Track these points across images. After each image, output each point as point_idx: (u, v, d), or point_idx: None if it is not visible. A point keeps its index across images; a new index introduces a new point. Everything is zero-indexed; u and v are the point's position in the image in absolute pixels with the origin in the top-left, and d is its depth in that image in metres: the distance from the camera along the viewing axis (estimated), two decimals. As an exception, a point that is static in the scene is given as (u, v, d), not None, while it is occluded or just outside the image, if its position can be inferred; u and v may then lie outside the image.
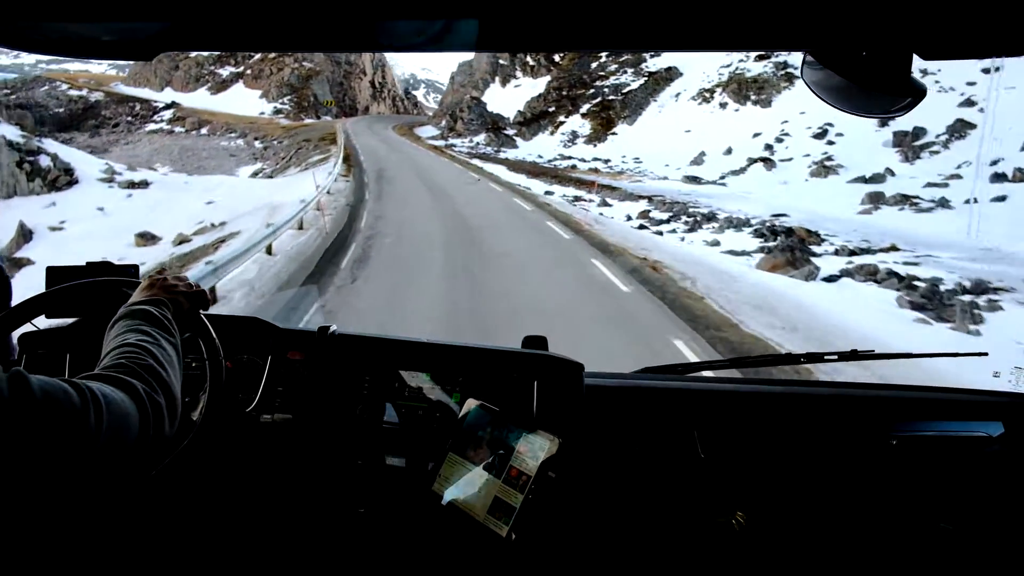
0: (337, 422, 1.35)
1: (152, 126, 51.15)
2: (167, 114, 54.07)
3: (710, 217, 16.43)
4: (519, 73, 69.86)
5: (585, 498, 1.27)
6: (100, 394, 0.67)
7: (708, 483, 1.30)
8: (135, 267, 1.35)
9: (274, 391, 1.36)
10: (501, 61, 69.28)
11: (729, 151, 32.01)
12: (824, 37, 0.64)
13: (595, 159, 37.22)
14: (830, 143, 28.92)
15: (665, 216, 16.70)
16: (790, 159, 28.57)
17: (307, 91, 64.27)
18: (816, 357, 1.48)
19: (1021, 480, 1.31)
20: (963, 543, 1.28)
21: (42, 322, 1.26)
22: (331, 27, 0.63)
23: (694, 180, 27.63)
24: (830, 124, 30.19)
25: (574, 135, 45.65)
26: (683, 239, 12.99)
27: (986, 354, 1.50)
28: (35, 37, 0.69)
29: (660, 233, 13.54)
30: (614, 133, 44.08)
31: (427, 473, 1.18)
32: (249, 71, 69.29)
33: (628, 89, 48.68)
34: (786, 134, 31.91)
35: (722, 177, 28.10)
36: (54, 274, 1.31)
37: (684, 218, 16.22)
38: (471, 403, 1.22)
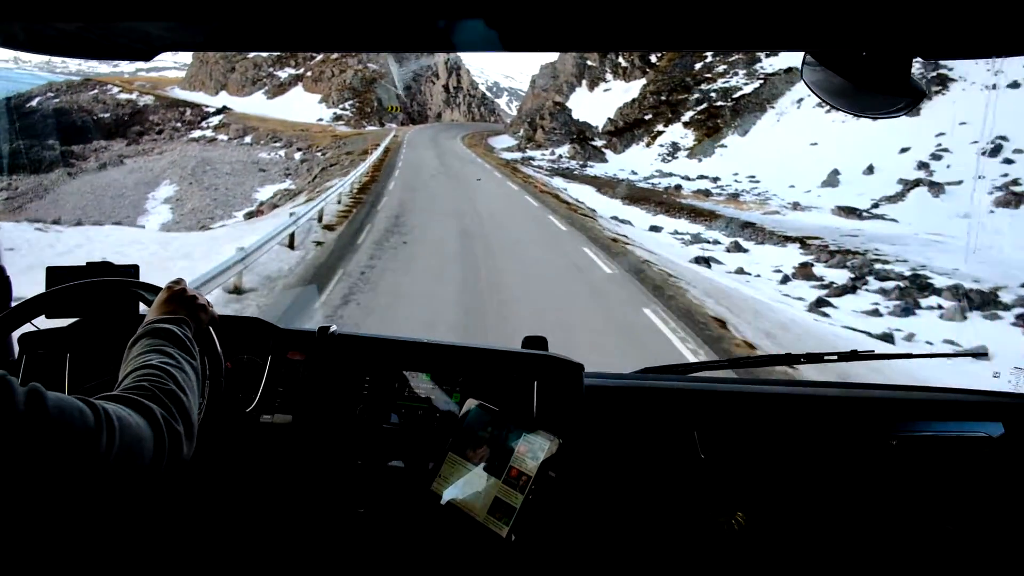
0: (337, 422, 1.35)
1: (197, 133, 45.93)
2: (215, 120, 49.12)
3: (921, 283, 9.54)
4: (609, 75, 58.80)
5: (585, 498, 1.27)
6: (115, 417, 0.67)
7: (708, 483, 1.30)
8: (135, 267, 1.35)
9: (274, 391, 1.36)
10: (589, 62, 59.16)
11: (871, 170, 24.76)
12: (824, 37, 0.64)
13: (700, 177, 30.36)
14: (1008, 161, 21.06)
15: (841, 276, 10.18)
16: (958, 182, 20.90)
17: (370, 95, 57.77)
18: (816, 357, 1.48)
19: (1021, 480, 1.31)
20: (963, 543, 1.28)
21: (42, 322, 1.26)
22: (332, 26, 0.63)
23: (851, 212, 19.76)
24: (1003, 138, 22.11)
25: (674, 148, 37.30)
26: (908, 337, 7.02)
27: (986, 355, 1.49)
28: (35, 37, 0.69)
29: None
30: (722, 145, 35.49)
31: (427, 473, 1.18)
32: (309, 73, 62.59)
33: (740, 94, 39.01)
34: (944, 150, 24.14)
35: (875, 205, 21.04)
36: (54, 274, 1.31)
37: (874, 282, 9.72)
38: (471, 403, 1.22)
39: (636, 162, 36.61)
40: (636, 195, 22.23)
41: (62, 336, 1.39)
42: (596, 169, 35.13)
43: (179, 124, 49.07)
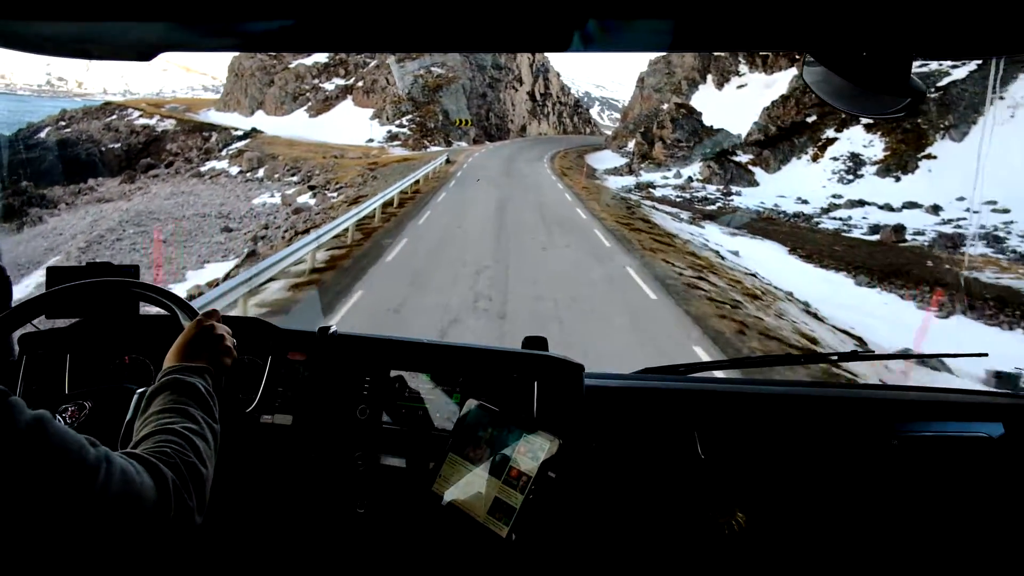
0: (337, 422, 1.35)
1: (211, 164, 36.52)
2: (238, 146, 39.96)
3: None
4: (743, 66, 45.08)
5: (585, 498, 1.27)
6: (119, 468, 0.66)
7: (708, 483, 1.30)
8: (135, 267, 1.36)
9: (274, 391, 1.36)
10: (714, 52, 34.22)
11: None
12: (824, 37, 0.64)
13: (908, 205, 20.38)
14: None
15: None
16: None
17: (433, 107, 46.70)
18: (817, 357, 1.48)
19: (1021, 480, 1.31)
20: (963, 543, 1.28)
21: (42, 322, 1.26)
22: (334, 26, 0.63)
23: None
24: None
25: (855, 161, 26.05)
26: None
27: (986, 355, 1.50)
28: (35, 37, 0.69)
29: None
30: (928, 156, 24.40)
31: (427, 473, 1.18)
32: (361, 83, 51.71)
33: (948, 80, 26.15)
34: None
35: None
36: (54, 274, 1.31)
37: None
38: (471, 403, 1.22)
39: (800, 183, 25.50)
40: (883, 266, 11.70)
41: (62, 336, 1.39)
42: (746, 196, 24.34)
43: (200, 153, 40.38)
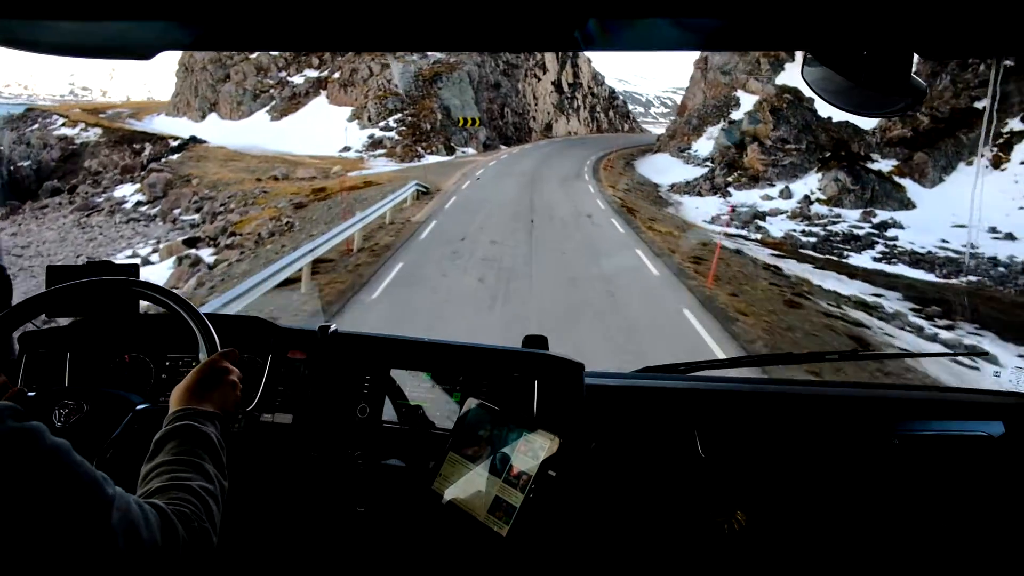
0: (337, 421, 1.35)
1: (127, 189, 26.93)
2: (172, 159, 30.47)
3: None
4: None
5: (585, 497, 1.27)
6: (128, 513, 0.65)
7: (708, 483, 1.30)
8: (135, 267, 1.36)
9: (274, 390, 1.36)
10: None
11: None
12: (825, 37, 0.64)
13: None
14: None
15: None
16: None
17: (430, 102, 35.55)
18: (817, 356, 1.48)
19: (1022, 480, 1.31)
20: (964, 542, 1.28)
21: (42, 320, 1.25)
22: (335, 25, 0.63)
23: None
24: None
25: None
26: None
27: (987, 354, 1.50)
28: (35, 37, 0.69)
29: None
30: None
31: (427, 472, 1.18)
32: (337, 75, 40.13)
33: None
34: None
35: None
36: (54, 273, 1.31)
37: None
38: (471, 402, 1.22)
39: (983, 204, 16.52)
40: None
41: (62, 335, 1.39)
42: (904, 224, 16.65)
43: (111, 173, 30.61)
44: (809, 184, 20.49)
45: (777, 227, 17.74)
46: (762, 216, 18.44)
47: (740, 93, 31.20)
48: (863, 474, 1.30)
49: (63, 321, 1.43)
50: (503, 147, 36.55)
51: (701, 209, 20.04)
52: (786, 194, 20.30)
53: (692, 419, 1.34)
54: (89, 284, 1.18)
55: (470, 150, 34.07)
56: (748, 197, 20.98)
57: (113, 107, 51.59)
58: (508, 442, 1.14)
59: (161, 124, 41.85)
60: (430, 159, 30.38)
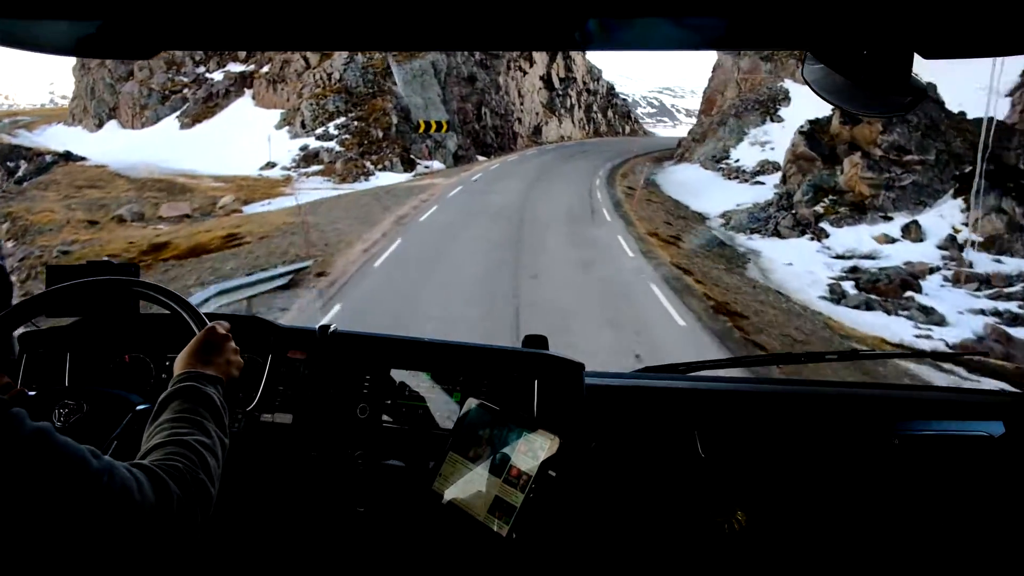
0: (337, 421, 1.35)
1: None
2: (27, 184, 24.49)
3: None
4: None
5: (585, 497, 1.27)
6: (120, 481, 0.66)
7: (708, 483, 1.30)
8: (135, 266, 1.36)
9: (274, 390, 1.36)
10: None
11: None
12: (825, 36, 0.64)
13: None
14: None
15: None
16: None
17: (383, 101, 27.64)
18: (817, 356, 1.48)
19: (1022, 480, 1.31)
20: (964, 542, 1.28)
21: (42, 321, 1.25)
22: (334, 24, 0.63)
23: None
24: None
25: None
26: None
27: (987, 354, 1.50)
28: (35, 36, 0.69)
29: None
30: None
31: (428, 472, 1.18)
32: (267, 68, 32.03)
33: None
34: None
35: None
36: (54, 273, 1.31)
37: None
38: (471, 402, 1.22)
39: None
40: None
41: (62, 335, 1.39)
42: None
43: None
44: (947, 215, 12.82)
45: (936, 298, 10.13)
46: (913, 284, 10.17)
47: (788, 83, 24.82)
48: (863, 474, 1.30)
49: (63, 321, 1.43)
50: (480, 158, 28.03)
51: (797, 266, 11.96)
52: (914, 233, 12.45)
53: (692, 419, 1.34)
54: (89, 284, 1.18)
55: (436, 163, 25.27)
56: (854, 238, 13.10)
57: (16, 114, 42.25)
58: (508, 442, 1.14)
59: (54, 136, 32.96)
60: (383, 178, 22.13)
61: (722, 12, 0.57)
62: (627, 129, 51.89)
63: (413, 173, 23.27)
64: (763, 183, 19.59)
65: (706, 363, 1.53)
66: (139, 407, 1.03)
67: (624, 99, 54.08)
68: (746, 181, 20.72)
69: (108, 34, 0.68)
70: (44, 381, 1.36)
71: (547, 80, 40.78)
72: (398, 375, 1.37)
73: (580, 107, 44.32)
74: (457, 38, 0.72)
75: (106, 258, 1.38)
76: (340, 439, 1.33)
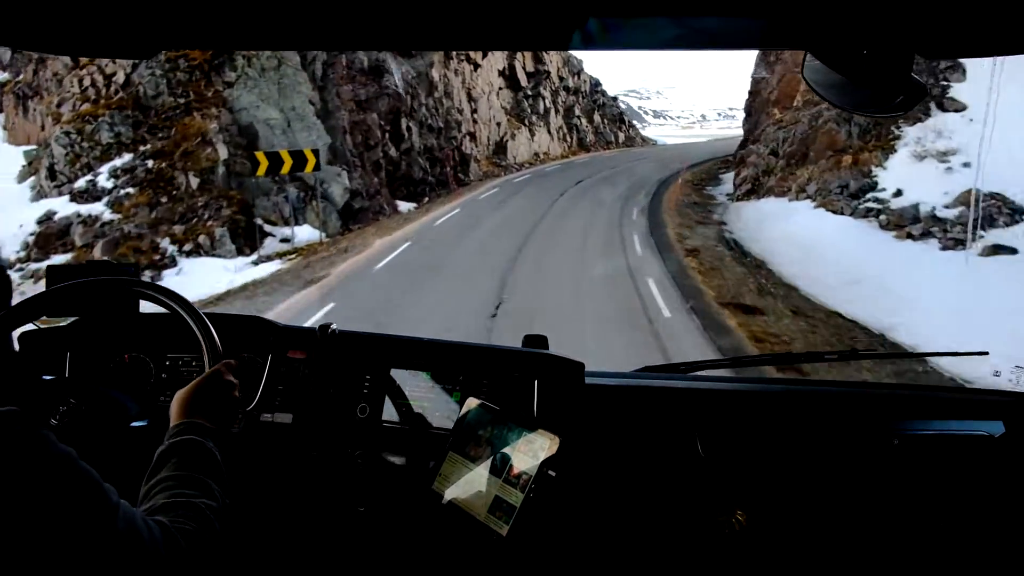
0: (337, 421, 1.35)
1: None
2: None
3: None
4: None
5: (585, 497, 1.27)
6: (132, 523, 0.66)
7: (708, 483, 1.30)
8: (135, 266, 1.36)
9: (274, 390, 1.36)
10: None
11: None
12: (825, 36, 0.64)
13: None
14: None
15: None
16: None
17: (199, 125, 12.75)
18: (816, 356, 1.48)
19: (1022, 480, 1.31)
20: (964, 542, 1.28)
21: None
22: (335, 24, 0.63)
23: None
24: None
25: None
26: None
27: (987, 353, 1.50)
28: (35, 35, 0.69)
29: None
30: None
31: (427, 472, 1.18)
32: (22, 78, 15.86)
33: None
34: None
35: None
36: (54, 273, 1.31)
37: None
38: (471, 402, 1.22)
39: None
40: None
41: (62, 335, 1.39)
42: None
43: None
44: None
45: None
46: None
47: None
48: (863, 474, 1.30)
49: (63, 321, 1.43)
50: (402, 207, 15.62)
51: None
52: None
53: (692, 419, 1.34)
54: (89, 284, 1.18)
55: (304, 234, 12.36)
56: None
57: None
58: (508, 442, 1.14)
59: None
60: (192, 271, 10.44)
61: (722, 12, 0.57)
62: (621, 137, 39.84)
63: (255, 256, 11.19)
64: (954, 231, 9.53)
65: (706, 363, 1.53)
66: (134, 423, 1.03)
67: (614, 99, 42.34)
68: (950, 244, 9.34)
69: (108, 34, 0.68)
70: (43, 381, 1.36)
71: (510, 76, 27.03)
72: (398, 375, 1.37)
73: (558, 111, 31.32)
74: (457, 38, 0.72)
75: (106, 258, 1.38)
76: (340, 439, 1.33)
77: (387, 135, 16.83)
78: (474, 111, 23.43)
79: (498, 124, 25.46)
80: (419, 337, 1.43)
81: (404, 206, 15.86)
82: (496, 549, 1.06)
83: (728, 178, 19.27)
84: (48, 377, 1.09)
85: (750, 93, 21.70)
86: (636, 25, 0.61)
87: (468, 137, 22.08)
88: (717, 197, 17.45)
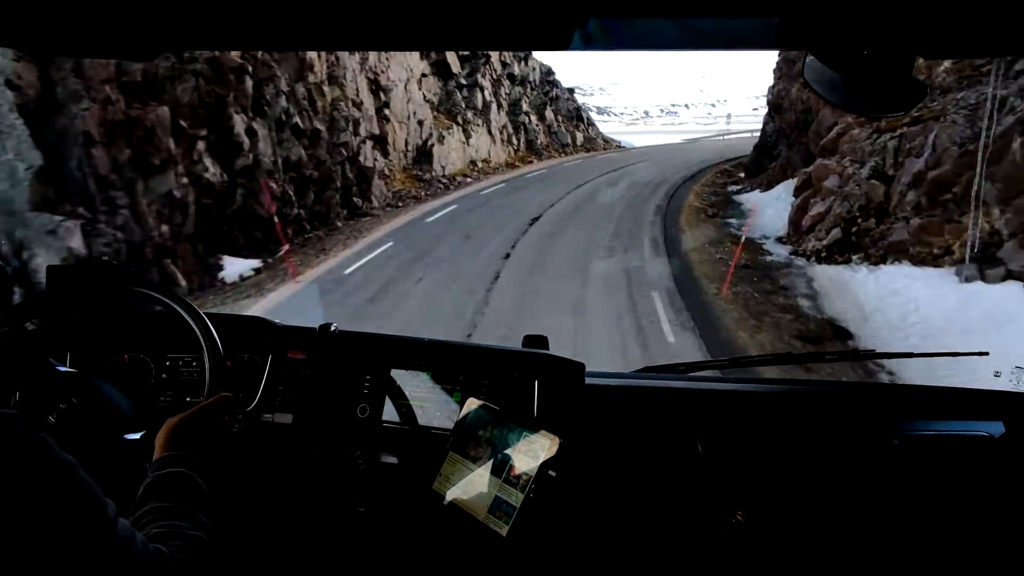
0: (338, 421, 1.35)
1: None
2: None
3: None
4: None
5: (585, 497, 1.27)
6: (129, 538, 0.66)
7: (708, 482, 1.30)
8: (135, 266, 1.36)
9: (274, 390, 1.36)
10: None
11: None
12: (826, 36, 0.64)
13: None
14: None
15: None
16: None
17: None
18: (817, 356, 1.48)
19: (1022, 480, 1.31)
20: (964, 542, 1.28)
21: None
22: (335, 24, 0.63)
23: None
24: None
25: None
26: None
27: (987, 353, 1.50)
28: (36, 36, 0.69)
29: None
30: None
31: (428, 472, 1.18)
32: None
33: None
34: None
35: None
36: (54, 273, 1.31)
37: None
38: (472, 402, 1.22)
39: None
40: None
41: (62, 335, 1.39)
42: None
43: None
44: None
45: None
46: None
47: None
48: (863, 474, 1.30)
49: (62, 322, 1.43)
50: (231, 273, 8.90)
51: None
52: None
53: (692, 419, 1.34)
54: (89, 284, 1.18)
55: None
56: None
57: None
58: (508, 442, 1.14)
59: None
60: None
61: (722, 12, 0.57)
62: (579, 137, 31.57)
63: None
64: None
65: (706, 363, 1.53)
66: (127, 436, 1.03)
67: (570, 91, 34.54)
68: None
69: (108, 34, 0.68)
70: (43, 381, 1.36)
71: (437, 60, 20.97)
72: (398, 375, 1.37)
73: (500, 106, 24.58)
74: (457, 37, 0.72)
75: (105, 258, 1.38)
76: (340, 439, 1.33)
77: (197, 144, 9.47)
78: (384, 105, 16.70)
79: (420, 123, 18.88)
80: (419, 337, 1.43)
81: (237, 265, 9.21)
82: (496, 549, 1.06)
83: (753, 201, 12.30)
84: (61, 368, 1.08)
85: (779, 78, 15.08)
86: (636, 26, 0.61)
87: (371, 142, 15.27)
88: (772, 251, 9.62)
